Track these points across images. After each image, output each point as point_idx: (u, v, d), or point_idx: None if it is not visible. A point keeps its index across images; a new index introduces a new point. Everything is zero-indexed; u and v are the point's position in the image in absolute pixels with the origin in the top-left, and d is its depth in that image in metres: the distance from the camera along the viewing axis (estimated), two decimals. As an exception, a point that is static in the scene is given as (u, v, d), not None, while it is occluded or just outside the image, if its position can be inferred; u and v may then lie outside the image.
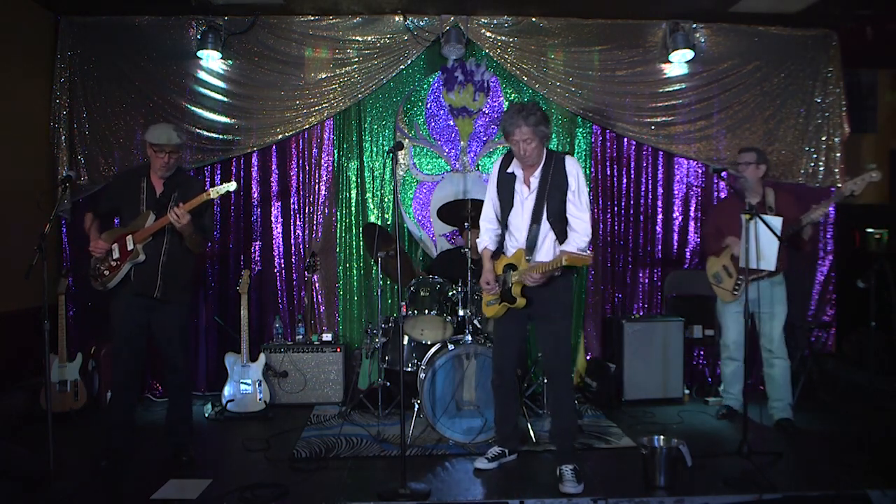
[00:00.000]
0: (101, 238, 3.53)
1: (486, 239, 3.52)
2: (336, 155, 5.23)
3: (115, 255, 3.47)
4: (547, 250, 3.30)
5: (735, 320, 4.30)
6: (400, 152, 5.10)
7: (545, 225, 3.28)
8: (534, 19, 5.12)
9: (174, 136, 3.50)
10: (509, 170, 3.41)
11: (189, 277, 3.72)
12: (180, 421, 3.72)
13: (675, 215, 5.41)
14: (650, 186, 5.40)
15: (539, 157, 3.31)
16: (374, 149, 5.25)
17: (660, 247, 5.41)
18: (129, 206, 3.56)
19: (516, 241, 3.37)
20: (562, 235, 3.28)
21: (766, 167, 4.29)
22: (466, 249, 4.14)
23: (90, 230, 3.58)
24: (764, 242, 3.89)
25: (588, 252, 3.19)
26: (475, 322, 4.20)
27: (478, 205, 3.76)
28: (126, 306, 3.52)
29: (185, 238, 3.51)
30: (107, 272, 3.48)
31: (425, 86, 5.26)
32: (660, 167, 5.39)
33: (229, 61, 5.04)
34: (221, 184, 3.56)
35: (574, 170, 3.27)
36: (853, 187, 3.80)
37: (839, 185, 5.18)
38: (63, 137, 4.89)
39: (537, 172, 3.31)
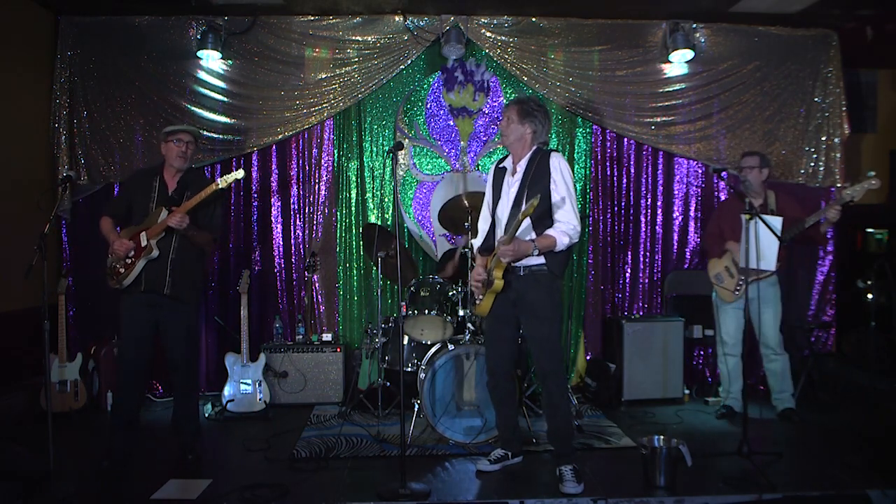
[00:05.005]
0: (119, 236, 3.54)
1: (479, 240, 3.56)
2: (336, 155, 5.23)
3: (131, 252, 3.48)
4: (524, 235, 3.28)
5: (733, 316, 4.38)
6: (400, 152, 5.08)
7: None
8: (534, 19, 5.12)
9: (190, 126, 3.61)
10: (502, 165, 3.52)
11: (198, 275, 3.73)
12: (187, 420, 3.71)
13: (675, 215, 5.41)
14: (650, 186, 5.40)
15: (520, 144, 3.38)
16: (374, 149, 5.25)
17: (660, 247, 5.41)
18: (140, 204, 3.59)
19: (501, 233, 3.38)
20: (542, 227, 3.26)
21: (768, 171, 4.39)
22: (467, 249, 4.14)
23: (110, 233, 3.59)
24: (764, 243, 3.90)
25: (565, 240, 3.20)
26: (475, 322, 4.20)
27: (475, 203, 3.77)
28: (135, 305, 3.52)
29: (189, 237, 3.53)
30: (122, 270, 3.49)
31: (425, 86, 5.26)
32: (660, 167, 5.39)
33: (229, 61, 5.04)
34: (230, 174, 3.59)
35: (556, 162, 3.29)
36: (852, 194, 3.87)
37: (839, 184, 5.20)
38: (63, 137, 4.89)
39: (523, 163, 3.37)
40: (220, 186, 3.50)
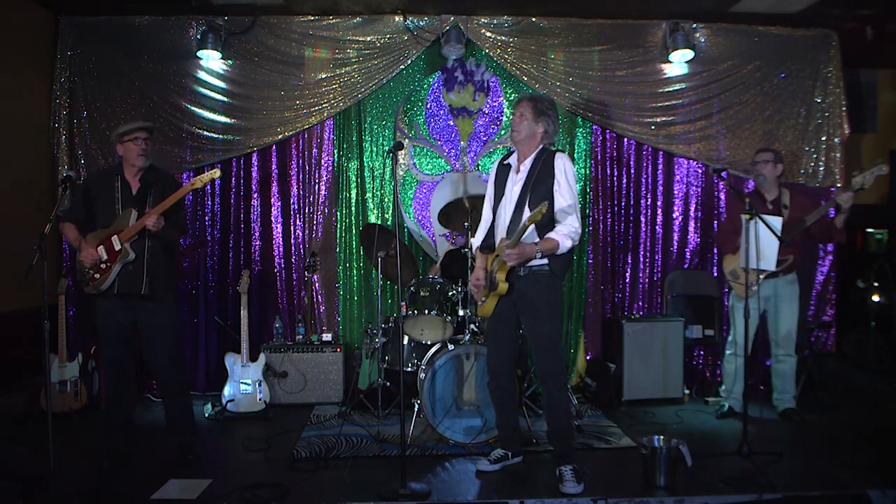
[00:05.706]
0: (86, 243, 3.49)
1: (479, 237, 3.55)
2: (336, 155, 5.23)
3: (104, 256, 3.44)
4: (527, 238, 3.25)
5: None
6: (400, 152, 5.10)
7: (527, 212, 3.25)
8: (534, 19, 5.12)
9: (144, 123, 3.60)
10: (506, 161, 3.48)
11: (172, 272, 3.71)
12: (183, 419, 3.70)
13: (675, 215, 5.41)
14: (650, 186, 5.40)
15: (529, 142, 3.35)
16: (374, 149, 5.25)
17: (660, 247, 5.41)
18: (103, 207, 3.53)
19: (502, 232, 3.37)
20: (544, 230, 3.23)
21: (782, 167, 4.43)
22: (467, 249, 4.14)
23: (76, 240, 3.54)
24: (765, 242, 3.90)
25: (567, 243, 3.18)
26: (475, 322, 4.20)
27: (475, 203, 3.76)
28: (109, 308, 3.49)
29: (161, 236, 3.51)
30: (97, 276, 3.45)
31: (425, 86, 5.26)
32: (660, 167, 5.39)
33: (229, 61, 5.04)
34: (205, 173, 3.58)
35: (561, 164, 3.27)
36: (862, 181, 3.93)
37: (839, 184, 5.20)
38: (63, 137, 4.89)
39: (528, 161, 3.35)
40: (196, 186, 3.51)
